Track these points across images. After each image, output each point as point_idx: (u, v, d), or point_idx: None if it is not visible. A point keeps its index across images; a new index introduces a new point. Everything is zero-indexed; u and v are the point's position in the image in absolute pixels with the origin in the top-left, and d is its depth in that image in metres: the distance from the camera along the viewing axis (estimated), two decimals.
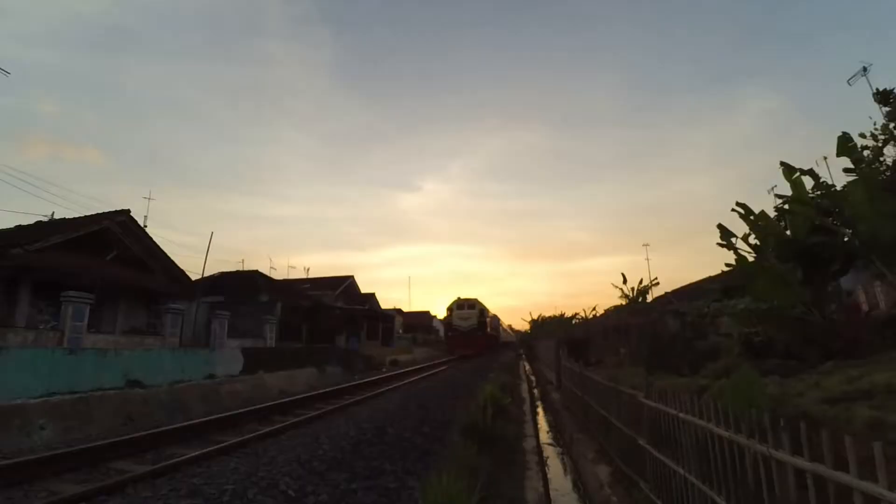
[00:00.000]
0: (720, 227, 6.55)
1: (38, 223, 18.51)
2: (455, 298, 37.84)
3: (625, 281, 20.09)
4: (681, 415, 3.25)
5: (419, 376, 18.72)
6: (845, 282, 7.33)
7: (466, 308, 36.40)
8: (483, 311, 36.80)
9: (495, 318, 47.82)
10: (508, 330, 66.91)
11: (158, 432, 7.14)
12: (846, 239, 5.53)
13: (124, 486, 4.93)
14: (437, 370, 22.17)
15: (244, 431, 7.76)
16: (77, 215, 18.82)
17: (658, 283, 20.88)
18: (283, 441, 7.08)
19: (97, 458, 5.95)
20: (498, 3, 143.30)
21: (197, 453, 6.13)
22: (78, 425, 8.07)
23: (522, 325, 60.53)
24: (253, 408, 9.50)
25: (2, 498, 4.68)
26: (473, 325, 35.47)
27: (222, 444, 6.62)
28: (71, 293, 13.78)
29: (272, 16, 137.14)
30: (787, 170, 6.08)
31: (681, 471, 3.26)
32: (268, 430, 7.72)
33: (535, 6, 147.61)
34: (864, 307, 7.99)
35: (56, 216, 19.62)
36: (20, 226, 18.00)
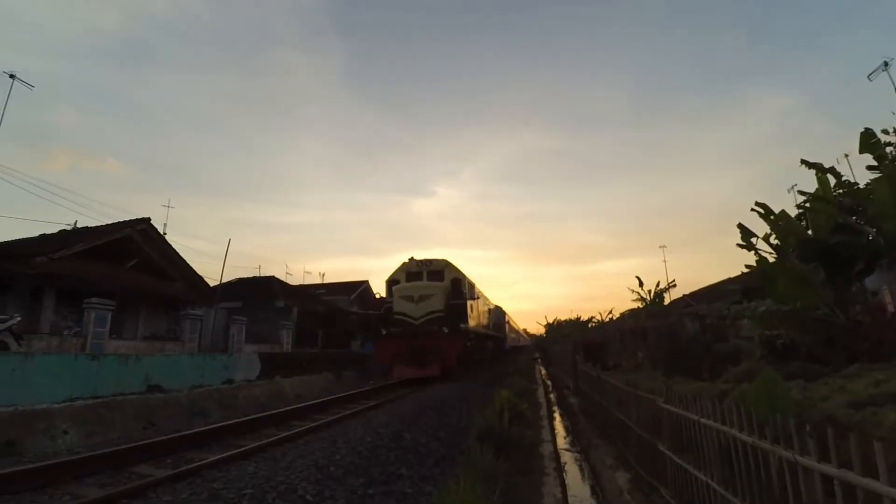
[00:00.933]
0: (740, 227, 6.43)
1: (62, 232, 19.00)
2: (405, 260, 18.32)
3: (641, 284, 19.92)
4: (702, 420, 3.19)
5: (435, 381, 18.66)
6: (870, 282, 7.12)
7: (426, 276, 17.48)
8: (459, 282, 17.69)
9: (499, 311, 28.78)
10: (524, 333, 63.75)
11: (178, 437, 7.23)
12: (870, 237, 5.39)
13: (146, 490, 5.00)
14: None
15: (262, 436, 7.82)
16: (98, 224, 19.31)
17: (675, 285, 20.67)
18: (301, 446, 7.11)
19: (119, 462, 6.04)
20: (503, 6, 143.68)
21: (216, 458, 6.18)
22: (100, 429, 8.24)
23: (538, 328, 59.77)
24: (270, 412, 9.57)
25: (28, 502, 4.79)
26: (436, 311, 15.92)
27: (241, 449, 6.68)
28: (93, 300, 14.14)
29: (284, 26, 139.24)
30: (811, 167, 5.97)
31: (702, 477, 3.20)
32: (285, 434, 7.77)
33: (539, 7, 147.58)
34: (890, 308, 7.73)
35: (78, 225, 20.13)
36: (44, 234, 18.49)
